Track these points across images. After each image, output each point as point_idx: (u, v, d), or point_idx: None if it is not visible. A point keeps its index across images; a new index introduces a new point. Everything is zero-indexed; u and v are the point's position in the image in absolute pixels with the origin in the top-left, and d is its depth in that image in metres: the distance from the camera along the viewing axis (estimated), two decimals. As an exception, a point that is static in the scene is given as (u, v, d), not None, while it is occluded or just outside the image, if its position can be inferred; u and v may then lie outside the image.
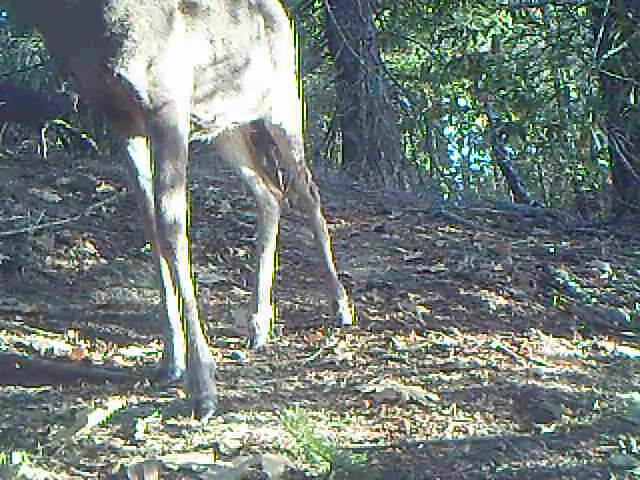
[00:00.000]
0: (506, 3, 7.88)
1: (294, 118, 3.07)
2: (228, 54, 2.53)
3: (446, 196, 10.15)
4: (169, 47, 2.21)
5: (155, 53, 2.17)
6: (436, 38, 8.74)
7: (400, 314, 3.26)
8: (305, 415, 1.85)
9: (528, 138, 7.34)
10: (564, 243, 5.21)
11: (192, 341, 2.24)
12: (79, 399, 2.24)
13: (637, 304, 3.56)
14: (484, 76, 6.81)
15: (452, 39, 8.01)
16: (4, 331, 2.81)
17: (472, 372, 2.49)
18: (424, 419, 2.10)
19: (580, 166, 8.49)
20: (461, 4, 8.33)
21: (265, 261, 3.07)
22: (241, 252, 4.18)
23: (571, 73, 8.02)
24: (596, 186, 8.53)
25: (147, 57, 2.16)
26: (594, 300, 3.64)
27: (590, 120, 6.30)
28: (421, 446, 1.92)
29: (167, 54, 2.20)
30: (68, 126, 7.55)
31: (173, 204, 2.22)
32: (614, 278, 4.12)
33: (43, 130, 6.92)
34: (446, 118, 10.59)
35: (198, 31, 2.38)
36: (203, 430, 2.00)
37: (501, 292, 3.63)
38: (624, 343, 2.96)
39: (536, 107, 6.71)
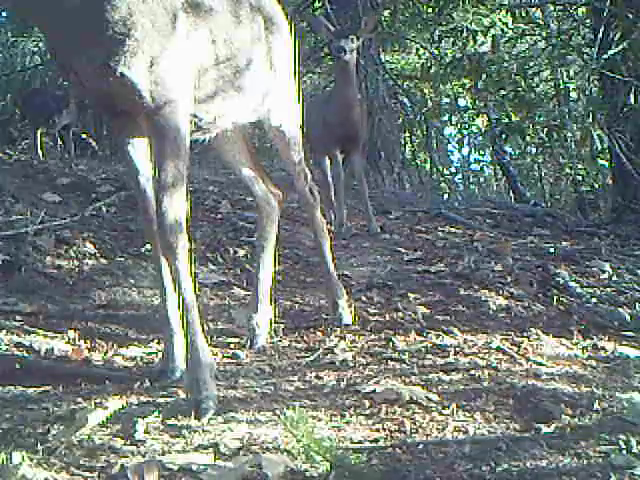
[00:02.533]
0: (506, 3, 7.87)
1: (293, 119, 3.08)
2: (230, 55, 2.53)
3: (446, 196, 10.14)
4: (171, 46, 2.21)
5: (157, 52, 2.17)
6: (436, 38, 8.73)
7: (400, 314, 3.26)
8: (305, 415, 1.86)
9: (528, 138, 7.35)
10: (564, 243, 5.21)
11: (192, 341, 2.24)
12: (79, 399, 2.24)
13: (637, 304, 3.56)
14: (484, 76, 6.81)
15: (452, 39, 8.01)
16: (4, 331, 2.81)
17: (472, 372, 2.48)
18: (424, 419, 2.10)
19: (580, 166, 8.50)
20: (461, 4, 8.31)
21: (265, 261, 3.07)
22: (241, 252, 4.18)
23: (571, 73, 8.02)
24: (596, 186, 8.53)
25: (149, 56, 2.16)
26: (594, 300, 3.64)
27: (590, 120, 6.31)
28: (421, 446, 1.91)
29: (169, 53, 2.20)
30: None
31: (174, 204, 2.22)
32: (614, 278, 4.12)
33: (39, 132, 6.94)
34: (446, 118, 10.61)
35: (200, 31, 2.38)
36: (203, 430, 2.00)
37: (501, 292, 3.63)
38: (624, 343, 2.96)
39: (536, 107, 6.72)
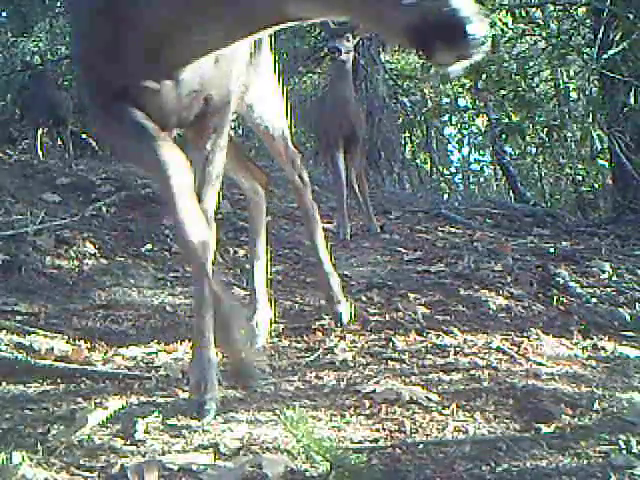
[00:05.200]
0: (506, 3, 7.86)
1: (276, 112, 3.02)
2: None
3: (446, 196, 10.16)
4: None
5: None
6: (436, 38, 8.71)
7: (400, 314, 3.26)
8: (305, 415, 1.85)
9: (528, 138, 7.35)
10: (564, 243, 5.22)
11: (205, 342, 2.22)
12: (79, 399, 2.24)
13: (637, 304, 3.56)
14: (484, 76, 6.81)
15: (452, 39, 7.98)
16: (4, 331, 2.80)
17: (472, 372, 2.48)
18: (424, 419, 2.10)
19: (580, 166, 8.50)
20: (461, 4, 8.29)
21: (258, 254, 3.03)
22: (241, 252, 4.18)
23: (571, 73, 8.03)
24: (596, 186, 8.54)
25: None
26: (594, 300, 3.64)
27: (590, 120, 6.31)
28: (421, 446, 1.91)
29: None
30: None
31: (214, 197, 2.24)
32: (614, 278, 4.11)
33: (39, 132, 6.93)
34: (446, 118, 10.60)
35: None
36: (203, 430, 2.00)
37: (501, 292, 3.63)
38: (624, 343, 2.96)
39: (536, 107, 6.72)
